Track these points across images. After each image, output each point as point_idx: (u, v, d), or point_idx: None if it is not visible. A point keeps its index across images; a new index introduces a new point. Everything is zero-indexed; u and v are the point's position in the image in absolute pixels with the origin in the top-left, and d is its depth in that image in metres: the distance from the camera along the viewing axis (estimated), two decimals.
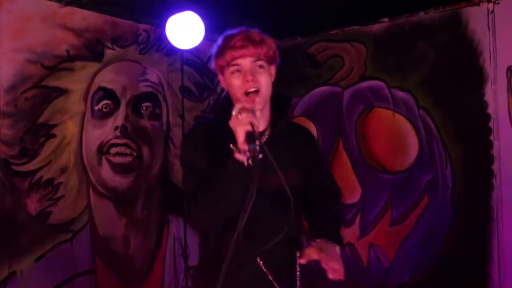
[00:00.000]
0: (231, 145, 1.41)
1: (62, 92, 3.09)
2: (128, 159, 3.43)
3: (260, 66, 1.57)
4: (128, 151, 3.43)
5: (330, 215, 1.80)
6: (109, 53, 3.36)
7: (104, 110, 3.33)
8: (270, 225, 1.53)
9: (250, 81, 1.53)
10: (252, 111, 1.45)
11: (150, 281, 3.53)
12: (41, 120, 2.97)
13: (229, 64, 1.54)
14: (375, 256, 3.63)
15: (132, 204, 3.46)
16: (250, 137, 1.37)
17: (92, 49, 3.26)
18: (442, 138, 3.32)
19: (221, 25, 3.69)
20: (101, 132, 3.30)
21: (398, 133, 3.52)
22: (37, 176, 2.94)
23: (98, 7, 3.24)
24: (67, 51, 3.12)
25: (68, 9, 3.12)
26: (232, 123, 1.43)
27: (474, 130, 3.17)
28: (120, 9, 3.31)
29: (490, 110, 3.09)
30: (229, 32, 1.60)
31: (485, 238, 3.09)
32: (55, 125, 3.03)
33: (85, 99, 3.22)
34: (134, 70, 3.53)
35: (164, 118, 3.73)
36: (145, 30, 3.61)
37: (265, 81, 1.58)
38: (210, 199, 1.48)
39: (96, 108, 3.28)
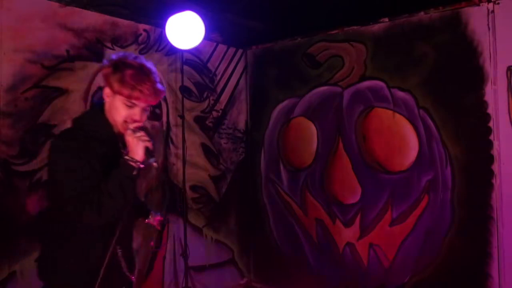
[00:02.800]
0: (126, 156, 1.74)
1: (62, 92, 3.09)
2: None
3: (146, 108, 1.83)
4: None
5: None
6: (109, 53, 3.36)
7: None
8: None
9: (138, 120, 1.80)
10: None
11: (150, 281, 3.53)
12: (41, 120, 2.97)
13: (130, 98, 1.77)
14: (375, 256, 3.63)
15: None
16: (148, 152, 1.76)
17: (92, 49, 3.26)
18: (442, 138, 3.32)
19: (221, 25, 3.73)
20: None
21: (398, 133, 3.52)
22: (37, 176, 2.94)
23: (98, 7, 3.24)
24: (67, 51, 3.12)
25: (68, 9, 3.12)
26: (129, 138, 1.76)
27: (474, 130, 3.17)
28: (120, 9, 3.31)
29: (490, 110, 3.09)
30: (135, 65, 1.79)
31: (485, 237, 3.10)
32: (55, 125, 3.03)
33: (85, 99, 3.22)
34: None
35: (164, 118, 3.74)
36: (145, 30, 3.61)
37: (145, 118, 1.85)
38: (104, 205, 1.70)
39: None
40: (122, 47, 3.45)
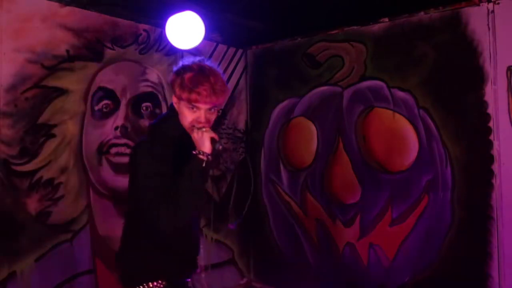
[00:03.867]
0: (194, 151, 1.75)
1: (62, 92, 3.09)
2: (128, 159, 3.43)
3: (212, 109, 1.85)
4: (128, 151, 3.43)
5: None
6: (109, 53, 3.36)
7: (104, 110, 3.33)
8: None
9: (203, 122, 1.82)
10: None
11: None
12: (41, 120, 2.97)
13: (189, 101, 1.81)
14: (375, 256, 3.63)
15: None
16: (214, 143, 1.78)
17: (92, 49, 3.26)
18: (442, 138, 3.32)
19: (221, 25, 3.73)
20: (101, 132, 3.31)
21: (398, 133, 3.52)
22: (37, 176, 2.94)
23: (98, 7, 3.24)
24: (67, 51, 3.12)
25: (68, 9, 3.12)
26: (194, 134, 1.80)
27: (474, 130, 3.17)
28: (120, 9, 3.31)
29: (490, 110, 3.09)
30: (195, 68, 1.85)
31: (485, 237, 3.10)
32: (55, 125, 3.04)
33: (85, 99, 3.22)
34: (134, 70, 3.53)
35: None
36: (145, 30, 3.61)
37: (212, 119, 1.87)
38: (178, 203, 1.72)
39: (96, 108, 3.28)
40: (122, 47, 3.45)
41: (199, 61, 1.90)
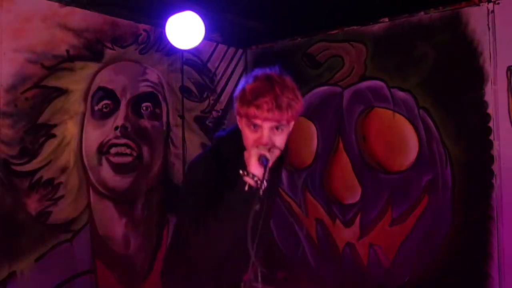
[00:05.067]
0: (241, 171, 1.46)
1: (62, 92, 3.09)
2: (128, 159, 3.43)
3: (278, 128, 1.55)
4: (128, 151, 3.44)
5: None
6: (109, 53, 3.36)
7: (104, 110, 3.33)
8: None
9: (268, 143, 1.52)
10: None
11: (150, 281, 3.53)
12: (41, 120, 2.97)
13: (248, 117, 1.52)
14: (375, 256, 3.62)
15: (132, 204, 3.46)
16: (261, 159, 1.47)
17: (92, 49, 3.26)
18: (442, 138, 3.31)
19: (221, 25, 3.73)
20: (101, 132, 3.31)
21: (398, 133, 3.52)
22: (37, 176, 2.94)
23: (98, 7, 3.24)
24: (67, 51, 3.12)
25: (68, 9, 3.12)
26: (246, 153, 1.50)
27: (474, 130, 3.17)
28: (120, 9, 3.31)
29: (490, 110, 3.09)
30: (260, 76, 1.55)
31: (485, 238, 3.09)
32: (55, 125, 3.04)
33: (85, 99, 3.22)
34: (134, 70, 3.53)
35: (164, 118, 3.73)
36: (145, 30, 3.61)
37: (279, 141, 1.56)
38: (210, 227, 1.47)
39: (96, 108, 3.28)
40: (122, 47, 3.45)
41: (271, 69, 1.59)
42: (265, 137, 1.51)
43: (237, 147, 1.56)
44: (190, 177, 1.60)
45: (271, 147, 1.52)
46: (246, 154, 1.50)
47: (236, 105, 1.56)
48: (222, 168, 1.56)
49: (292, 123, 1.62)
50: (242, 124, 1.57)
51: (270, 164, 1.49)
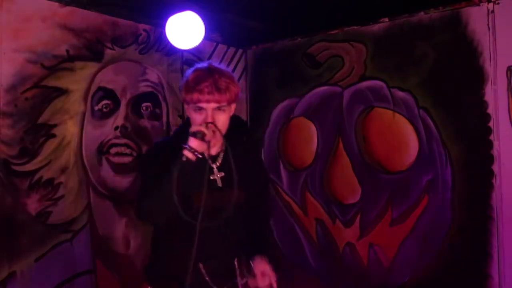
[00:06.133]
0: (183, 145, 1.66)
1: (62, 92, 3.09)
2: (128, 159, 3.43)
3: (220, 108, 1.75)
4: (128, 151, 3.43)
5: (259, 231, 2.02)
6: (109, 53, 3.36)
7: (104, 110, 3.33)
8: (217, 237, 1.79)
9: (213, 122, 1.73)
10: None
11: None
12: (41, 120, 2.97)
13: (194, 102, 1.74)
14: (375, 256, 3.63)
15: (132, 204, 3.46)
16: (196, 133, 1.68)
17: (92, 49, 3.26)
18: (442, 138, 3.31)
19: (221, 25, 3.73)
20: (101, 132, 3.31)
21: (398, 133, 3.52)
22: (37, 176, 2.94)
23: (98, 7, 3.24)
24: (67, 51, 3.12)
25: (68, 9, 3.12)
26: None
27: (474, 130, 3.17)
28: (120, 9, 3.31)
29: (490, 110, 3.09)
30: (199, 68, 1.79)
31: (485, 238, 3.09)
32: (55, 125, 3.04)
33: (85, 99, 3.22)
34: (134, 70, 3.53)
35: (164, 118, 3.74)
36: (145, 30, 3.61)
37: (222, 119, 1.77)
38: (159, 193, 1.68)
39: (96, 108, 3.28)
40: (122, 47, 3.45)
41: (208, 63, 1.82)
42: (209, 117, 1.72)
43: (186, 135, 1.73)
44: (142, 159, 1.88)
45: (214, 125, 1.72)
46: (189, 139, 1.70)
47: (182, 94, 1.78)
48: (172, 152, 1.72)
49: (234, 106, 1.83)
50: (190, 110, 1.78)
51: (208, 138, 1.69)
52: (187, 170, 1.65)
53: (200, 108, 1.73)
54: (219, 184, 1.77)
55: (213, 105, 1.72)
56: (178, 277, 1.77)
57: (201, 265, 1.79)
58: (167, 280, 1.86)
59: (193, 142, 1.67)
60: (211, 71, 1.75)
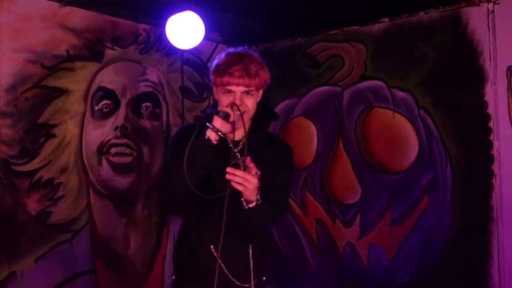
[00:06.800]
0: (207, 124, 1.71)
1: (62, 92, 3.09)
2: (128, 159, 3.43)
3: (249, 93, 1.80)
4: (128, 151, 3.44)
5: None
6: (109, 53, 3.37)
7: (104, 110, 3.33)
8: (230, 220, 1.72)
9: (240, 104, 1.76)
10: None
11: (150, 281, 3.53)
12: (41, 120, 2.97)
13: (223, 85, 1.78)
14: (375, 256, 3.63)
15: (132, 204, 3.46)
16: (220, 113, 1.72)
17: (92, 49, 3.26)
18: (442, 138, 3.32)
19: (221, 25, 3.73)
20: (101, 132, 3.31)
21: (398, 133, 3.52)
22: (37, 176, 2.94)
23: (98, 7, 3.24)
24: (67, 51, 3.12)
25: (68, 9, 3.12)
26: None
27: (474, 130, 3.17)
28: (120, 9, 3.31)
29: (490, 110, 3.09)
30: (231, 53, 1.83)
31: (485, 238, 3.09)
32: (55, 125, 3.04)
33: (85, 99, 3.22)
34: (134, 70, 3.54)
35: (164, 118, 3.74)
36: (145, 30, 3.61)
37: (251, 104, 1.82)
38: (182, 167, 1.68)
39: (96, 108, 3.28)
40: (122, 47, 3.45)
41: (241, 48, 1.86)
42: (237, 99, 1.76)
43: (209, 119, 1.77)
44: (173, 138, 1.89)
45: (244, 110, 1.76)
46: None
47: (212, 77, 1.83)
48: (199, 131, 1.76)
49: (261, 92, 1.88)
50: (218, 93, 1.82)
51: (232, 119, 1.73)
52: (208, 149, 1.71)
53: (230, 91, 1.77)
54: (242, 168, 1.69)
55: (242, 88, 1.77)
56: (200, 266, 1.82)
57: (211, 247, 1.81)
58: (190, 270, 1.90)
59: (217, 122, 1.71)
60: (242, 56, 1.79)
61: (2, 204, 2.78)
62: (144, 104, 3.58)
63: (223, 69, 1.77)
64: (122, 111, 3.42)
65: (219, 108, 1.77)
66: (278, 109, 4.26)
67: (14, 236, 2.83)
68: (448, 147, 3.29)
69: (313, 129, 4.01)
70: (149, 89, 3.63)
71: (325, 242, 3.92)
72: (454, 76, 3.26)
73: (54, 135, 3.03)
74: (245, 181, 1.63)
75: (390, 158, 3.56)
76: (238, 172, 1.64)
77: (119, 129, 3.39)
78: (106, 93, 3.34)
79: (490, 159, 3.08)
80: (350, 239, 3.76)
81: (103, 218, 3.29)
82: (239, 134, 1.81)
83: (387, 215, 3.57)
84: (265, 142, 1.91)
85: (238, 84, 1.76)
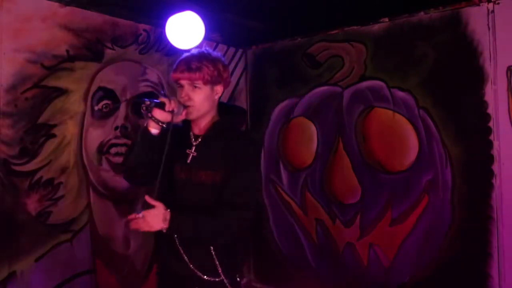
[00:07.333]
0: (148, 112, 1.94)
1: (62, 92, 3.09)
2: None
3: (195, 86, 1.94)
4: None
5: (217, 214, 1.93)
6: (109, 53, 3.36)
7: (104, 110, 3.33)
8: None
9: (185, 97, 1.95)
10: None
11: (150, 281, 3.53)
12: (41, 120, 2.97)
13: (174, 80, 1.99)
14: (375, 256, 3.63)
15: (132, 204, 3.46)
16: (161, 106, 1.91)
17: (92, 49, 3.26)
18: (442, 138, 3.32)
19: (221, 25, 3.72)
20: (101, 132, 3.31)
21: (398, 133, 3.52)
22: (37, 176, 2.94)
23: (98, 7, 3.24)
24: (67, 51, 3.12)
25: (68, 9, 3.12)
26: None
27: (474, 130, 3.17)
28: (120, 9, 3.31)
29: (490, 110, 3.09)
30: (184, 53, 2.00)
31: (485, 237, 3.10)
32: (55, 125, 3.03)
33: (85, 99, 3.22)
34: (134, 70, 3.53)
35: None
36: (145, 30, 3.61)
37: (198, 98, 1.95)
38: (133, 151, 1.99)
39: (96, 108, 3.28)
40: (122, 47, 3.45)
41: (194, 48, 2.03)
42: (184, 92, 1.94)
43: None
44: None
45: (189, 105, 1.94)
46: None
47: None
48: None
49: (217, 88, 2.00)
50: (177, 89, 2.00)
51: (168, 108, 1.89)
52: (144, 134, 1.95)
53: (180, 86, 1.96)
54: (188, 160, 1.94)
55: (186, 81, 1.93)
56: (167, 262, 2.00)
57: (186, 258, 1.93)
58: (160, 263, 2.09)
59: (155, 113, 1.93)
60: (189, 54, 1.96)
61: (2, 204, 2.78)
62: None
63: (175, 66, 1.97)
64: (122, 111, 3.42)
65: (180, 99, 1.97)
66: (278, 109, 4.26)
67: (14, 236, 2.82)
68: (448, 147, 3.29)
69: (313, 129, 4.01)
70: (149, 89, 3.63)
71: (325, 242, 3.92)
72: (454, 76, 3.26)
73: (54, 135, 3.03)
74: (144, 225, 1.84)
75: (390, 158, 3.56)
76: (135, 225, 1.87)
77: (119, 129, 3.39)
78: (106, 93, 3.34)
79: (490, 159, 3.09)
80: (350, 239, 3.76)
81: (103, 218, 3.29)
82: (203, 129, 2.00)
83: (387, 215, 3.57)
84: (228, 137, 1.97)
85: (180, 78, 1.94)
